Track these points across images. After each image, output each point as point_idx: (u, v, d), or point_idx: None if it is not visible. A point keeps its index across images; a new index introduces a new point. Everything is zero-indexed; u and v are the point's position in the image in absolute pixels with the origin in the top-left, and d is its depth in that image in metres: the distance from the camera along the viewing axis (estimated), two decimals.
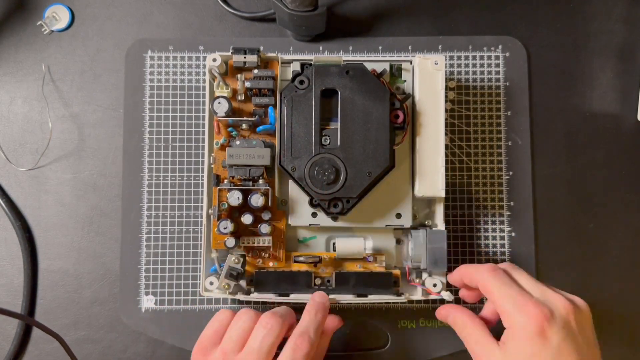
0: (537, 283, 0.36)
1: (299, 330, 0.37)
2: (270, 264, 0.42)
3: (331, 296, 0.41)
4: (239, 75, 0.42)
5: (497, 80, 0.47)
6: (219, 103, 0.41)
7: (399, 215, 0.42)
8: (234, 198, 0.40)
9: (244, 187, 0.40)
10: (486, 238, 0.46)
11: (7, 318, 0.45)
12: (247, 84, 0.41)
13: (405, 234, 0.43)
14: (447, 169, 0.45)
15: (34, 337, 0.46)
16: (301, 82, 0.40)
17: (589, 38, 0.48)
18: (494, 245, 0.46)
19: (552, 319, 0.33)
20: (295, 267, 0.42)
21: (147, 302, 0.46)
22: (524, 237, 0.46)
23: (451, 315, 0.39)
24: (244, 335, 0.37)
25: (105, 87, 0.48)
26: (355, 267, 0.42)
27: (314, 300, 0.40)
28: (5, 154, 0.47)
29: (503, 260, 0.46)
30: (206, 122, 0.43)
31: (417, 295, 0.42)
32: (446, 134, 0.46)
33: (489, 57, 0.48)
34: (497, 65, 0.48)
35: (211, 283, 0.42)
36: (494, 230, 0.46)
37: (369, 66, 0.41)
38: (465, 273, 0.39)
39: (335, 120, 0.40)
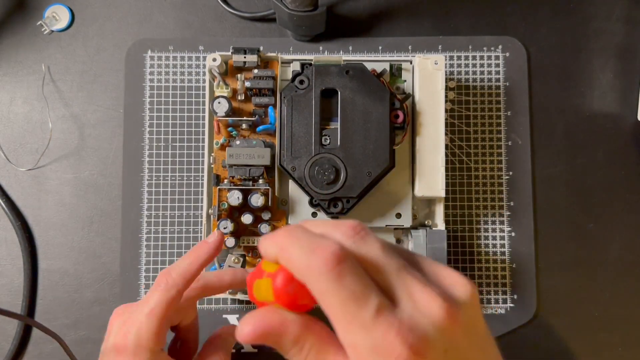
0: (403, 269, 0.22)
1: (166, 269, 0.35)
2: None
3: None
4: (239, 75, 0.42)
5: (497, 80, 0.47)
6: (219, 103, 0.41)
7: (399, 215, 0.42)
8: (234, 198, 0.40)
9: (244, 187, 0.40)
10: (486, 238, 0.46)
11: (7, 318, 0.45)
12: (247, 84, 0.41)
13: (405, 233, 0.43)
14: (447, 169, 0.45)
15: (34, 337, 0.46)
16: (301, 82, 0.40)
17: (589, 38, 0.48)
18: (494, 245, 0.46)
19: (456, 316, 0.21)
20: None
21: None
22: (524, 237, 0.46)
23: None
24: None
25: (105, 87, 0.48)
26: None
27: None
28: (5, 154, 0.47)
29: (503, 261, 0.46)
30: (206, 122, 0.43)
31: None
32: (446, 134, 0.46)
33: (489, 57, 0.48)
34: (497, 65, 0.48)
35: None
36: (494, 230, 0.46)
37: (369, 66, 0.41)
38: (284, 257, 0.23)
39: (335, 120, 0.40)
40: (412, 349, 0.20)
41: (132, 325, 0.33)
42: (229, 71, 0.43)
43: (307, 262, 0.21)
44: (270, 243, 0.23)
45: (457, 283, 0.23)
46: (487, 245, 0.46)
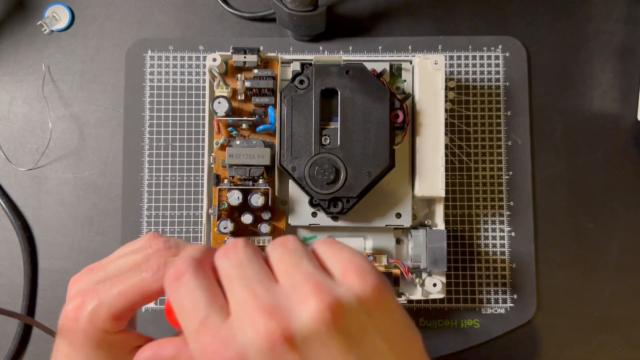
0: (296, 264, 0.23)
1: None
2: None
3: None
4: (239, 75, 0.42)
5: (497, 80, 0.47)
6: (219, 103, 0.41)
7: (399, 215, 0.42)
8: (234, 198, 0.40)
9: (244, 187, 0.40)
10: (486, 238, 0.46)
11: (7, 318, 0.45)
12: (247, 84, 0.41)
13: (405, 233, 0.43)
14: (447, 169, 0.45)
15: (34, 336, 0.46)
16: (301, 82, 0.40)
17: (589, 38, 0.48)
18: (494, 245, 0.46)
19: (287, 339, 0.21)
20: None
21: None
22: (524, 237, 0.46)
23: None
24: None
25: (105, 87, 0.48)
26: None
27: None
28: (5, 154, 0.47)
29: (503, 261, 0.46)
30: (206, 122, 0.43)
31: (417, 295, 0.42)
32: (446, 134, 0.46)
33: (489, 57, 0.48)
34: (497, 65, 0.48)
35: None
36: (493, 230, 0.46)
37: (369, 66, 0.41)
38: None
39: (335, 120, 0.40)
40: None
41: (91, 299, 0.26)
42: (229, 71, 0.43)
43: (165, 281, 0.24)
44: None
45: (305, 303, 0.21)
46: (487, 245, 0.46)
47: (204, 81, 0.47)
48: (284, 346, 0.20)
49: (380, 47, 0.48)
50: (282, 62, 0.43)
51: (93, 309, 0.26)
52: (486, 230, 0.46)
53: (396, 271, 0.42)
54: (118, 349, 0.27)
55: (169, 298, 0.23)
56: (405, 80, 0.44)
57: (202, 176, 0.45)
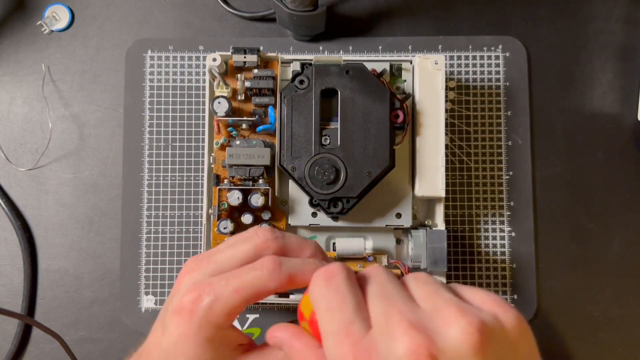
0: (436, 290, 0.24)
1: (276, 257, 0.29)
2: None
3: None
4: (239, 75, 0.42)
5: (497, 80, 0.47)
6: (219, 103, 0.41)
7: (399, 215, 0.42)
8: (234, 198, 0.40)
9: (244, 187, 0.40)
10: (486, 238, 0.46)
11: (7, 318, 0.45)
12: (247, 84, 0.41)
13: (405, 233, 0.43)
14: (447, 169, 0.44)
15: (34, 337, 0.46)
16: (301, 82, 0.40)
17: (589, 38, 0.48)
18: (494, 245, 0.46)
19: (432, 357, 0.21)
20: None
21: (147, 302, 0.46)
22: (524, 237, 0.46)
23: (285, 345, 0.26)
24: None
25: (105, 87, 0.48)
26: (356, 267, 0.42)
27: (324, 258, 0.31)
28: (5, 154, 0.47)
29: (503, 261, 0.46)
30: (206, 122, 0.43)
31: None
32: (446, 134, 0.46)
33: (489, 57, 0.48)
34: (497, 65, 0.48)
35: None
36: (494, 230, 0.46)
37: (369, 66, 0.41)
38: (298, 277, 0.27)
39: (335, 120, 0.40)
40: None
41: (208, 293, 0.26)
42: (229, 71, 0.43)
43: (315, 276, 0.25)
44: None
45: (451, 324, 0.21)
46: (487, 245, 0.46)
47: (204, 81, 0.47)
48: (477, 345, 0.20)
49: (380, 47, 0.48)
50: (282, 62, 0.43)
51: (210, 303, 0.26)
52: (486, 230, 0.46)
53: (396, 271, 0.42)
54: (225, 345, 0.28)
55: (317, 295, 0.24)
56: (405, 80, 0.44)
57: (202, 176, 0.45)
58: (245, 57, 0.41)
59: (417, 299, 0.23)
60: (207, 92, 0.43)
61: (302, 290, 0.28)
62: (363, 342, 0.22)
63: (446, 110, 0.46)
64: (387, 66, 0.42)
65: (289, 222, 0.42)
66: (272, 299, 0.42)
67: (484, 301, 0.23)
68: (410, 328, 0.21)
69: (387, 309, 0.22)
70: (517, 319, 0.22)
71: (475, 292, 0.24)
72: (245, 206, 0.41)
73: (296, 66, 0.42)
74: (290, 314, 0.45)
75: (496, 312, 0.22)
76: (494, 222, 0.46)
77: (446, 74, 0.46)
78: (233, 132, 0.42)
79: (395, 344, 0.21)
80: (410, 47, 0.48)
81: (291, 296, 0.41)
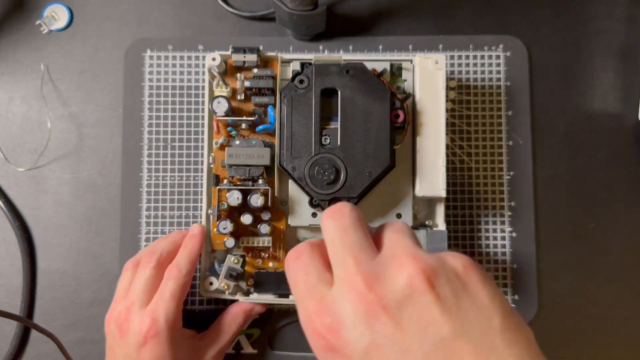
0: (400, 239, 0.26)
1: (171, 264, 0.39)
2: (270, 264, 0.42)
3: None
4: (238, 75, 0.41)
5: (498, 79, 0.47)
6: (219, 103, 0.41)
7: (399, 215, 0.42)
8: (234, 198, 0.40)
9: (243, 187, 0.40)
10: (487, 238, 0.46)
11: (6, 319, 0.44)
12: (247, 84, 0.41)
13: None
14: (447, 169, 0.44)
15: (32, 337, 0.46)
16: (301, 81, 0.40)
17: (590, 37, 0.48)
18: (495, 246, 0.46)
19: (382, 303, 0.22)
20: None
21: None
22: (525, 237, 0.46)
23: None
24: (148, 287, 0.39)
25: (104, 86, 0.48)
26: None
27: (188, 233, 0.41)
28: (4, 153, 0.47)
29: (504, 261, 0.46)
30: (206, 121, 0.43)
31: None
32: (447, 134, 0.46)
33: (490, 57, 0.47)
34: (498, 64, 0.47)
35: (211, 283, 0.42)
36: (494, 230, 0.46)
37: (369, 65, 0.41)
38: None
39: (336, 119, 0.40)
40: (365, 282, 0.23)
41: (158, 311, 0.36)
42: (228, 71, 0.43)
43: (286, 259, 0.27)
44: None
45: (401, 268, 0.23)
46: (487, 246, 0.46)
47: (204, 81, 0.47)
48: (378, 312, 0.22)
49: (380, 47, 0.48)
50: (282, 62, 0.43)
51: (164, 319, 0.37)
52: (487, 230, 0.46)
53: None
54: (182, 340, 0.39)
55: (287, 272, 0.27)
56: (405, 80, 0.43)
57: (202, 176, 0.45)
58: (244, 57, 0.41)
59: (383, 245, 0.25)
60: (206, 91, 0.43)
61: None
62: (325, 299, 0.24)
63: (447, 110, 0.46)
64: (387, 66, 0.42)
65: (289, 223, 0.42)
66: (270, 299, 0.42)
67: (442, 254, 0.25)
68: (362, 279, 0.23)
69: (344, 259, 0.24)
70: (465, 260, 0.24)
71: (440, 252, 0.26)
72: (244, 206, 0.40)
73: (296, 66, 0.42)
74: (290, 314, 0.45)
75: (447, 258, 0.24)
76: (494, 223, 0.46)
77: (447, 74, 0.46)
78: (233, 132, 0.42)
79: (348, 296, 0.23)
80: (410, 47, 0.47)
81: (291, 297, 0.41)
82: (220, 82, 0.42)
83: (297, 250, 0.27)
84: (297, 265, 0.26)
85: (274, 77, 0.41)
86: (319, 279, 0.25)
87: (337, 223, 0.26)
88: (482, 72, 0.47)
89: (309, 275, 0.25)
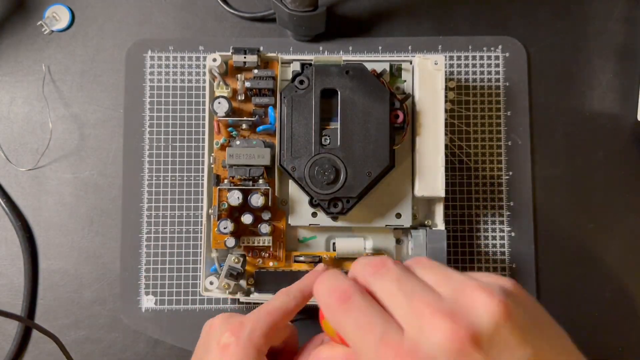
0: (446, 272, 0.24)
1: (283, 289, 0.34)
2: (270, 263, 0.42)
3: None
4: (239, 75, 0.42)
5: (497, 80, 0.47)
6: (219, 103, 0.41)
7: (399, 215, 0.42)
8: (234, 198, 0.40)
9: (244, 187, 0.40)
10: (486, 238, 0.46)
11: (7, 318, 0.45)
12: (247, 84, 0.41)
13: (405, 233, 0.43)
14: (447, 169, 0.44)
15: (34, 337, 0.46)
16: (301, 82, 0.40)
17: (588, 38, 0.48)
18: (494, 246, 0.46)
19: (473, 339, 0.21)
20: (296, 267, 0.42)
21: (147, 302, 0.46)
22: (524, 237, 0.46)
23: None
24: None
25: (105, 87, 0.48)
26: None
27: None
28: (5, 154, 0.47)
29: (503, 261, 0.46)
30: (206, 122, 0.43)
31: None
32: (446, 134, 0.46)
33: (489, 57, 0.48)
34: (497, 65, 0.48)
35: (211, 283, 0.42)
36: (493, 230, 0.46)
37: (369, 66, 0.41)
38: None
39: (335, 120, 0.40)
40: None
41: (247, 322, 0.31)
42: (229, 71, 0.43)
43: (326, 301, 0.25)
44: (314, 287, 0.27)
45: (477, 303, 0.22)
46: (487, 246, 0.46)
47: (204, 81, 0.47)
48: (472, 346, 0.21)
49: (380, 47, 0.48)
50: (282, 62, 0.43)
51: (251, 328, 0.30)
52: (486, 230, 0.46)
53: None
54: None
55: (339, 321, 0.24)
56: (405, 81, 0.44)
57: (202, 176, 0.45)
58: (245, 58, 0.41)
59: (432, 286, 0.24)
60: (207, 92, 0.43)
61: None
62: (404, 347, 0.22)
63: (446, 111, 0.46)
64: (387, 66, 0.42)
65: (289, 222, 0.42)
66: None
67: (484, 276, 0.24)
68: (443, 317, 0.21)
69: (413, 305, 0.22)
70: (514, 283, 0.23)
71: (476, 274, 0.24)
72: (245, 206, 0.41)
73: (296, 66, 0.42)
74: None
75: (499, 282, 0.23)
76: (493, 222, 0.46)
77: (446, 74, 0.46)
78: (233, 132, 0.42)
79: (435, 337, 0.21)
80: (410, 48, 0.48)
81: None
82: (221, 83, 0.42)
83: (342, 292, 0.24)
84: (350, 309, 0.24)
85: (274, 78, 0.41)
86: (387, 323, 0.23)
87: (387, 277, 0.24)
88: (481, 73, 0.48)
89: (373, 318, 0.23)
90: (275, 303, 0.32)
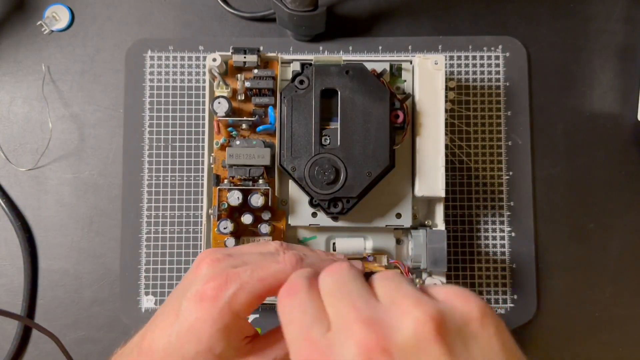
0: (396, 286, 0.24)
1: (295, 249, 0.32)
2: None
3: None
4: (239, 75, 0.42)
5: (497, 80, 0.47)
6: (219, 103, 0.41)
7: (399, 215, 0.42)
8: (234, 198, 0.40)
9: (244, 187, 0.40)
10: (486, 238, 0.46)
11: (6, 318, 0.45)
12: (247, 84, 0.41)
13: (405, 234, 0.43)
14: (447, 169, 0.44)
15: (33, 337, 0.46)
16: (301, 82, 0.40)
17: (589, 38, 0.48)
18: (494, 246, 0.46)
19: (384, 350, 0.21)
20: None
21: (147, 302, 0.46)
22: (524, 237, 0.46)
23: None
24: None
25: (105, 87, 0.48)
26: None
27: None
28: (5, 154, 0.47)
29: (503, 261, 0.46)
30: (206, 122, 0.43)
31: None
32: (446, 134, 0.46)
33: (489, 57, 0.48)
34: (497, 65, 0.48)
35: None
36: (494, 230, 0.46)
37: (369, 66, 0.41)
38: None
39: (335, 120, 0.40)
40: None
41: (234, 281, 0.28)
42: (229, 71, 0.43)
43: (282, 289, 0.26)
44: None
45: (405, 315, 0.22)
46: (487, 246, 0.46)
47: (204, 81, 0.47)
48: (381, 356, 0.20)
49: (380, 47, 0.48)
50: (282, 62, 0.43)
51: (235, 291, 0.27)
52: (486, 230, 0.46)
53: (396, 271, 0.42)
54: (236, 335, 0.28)
55: (280, 309, 0.25)
56: (405, 81, 0.44)
57: (202, 176, 0.45)
58: (245, 57, 0.41)
59: (379, 296, 0.24)
60: (207, 92, 0.43)
61: None
62: (321, 343, 0.22)
63: (446, 110, 0.46)
64: (387, 66, 0.42)
65: (289, 222, 0.42)
66: (272, 299, 0.42)
67: (447, 294, 0.23)
68: (362, 324, 0.21)
69: (343, 307, 0.23)
70: (478, 307, 0.22)
71: (441, 288, 0.24)
72: (245, 206, 0.41)
73: (296, 66, 0.42)
74: None
75: (455, 303, 0.22)
76: (494, 222, 0.46)
77: (446, 74, 0.46)
78: (233, 132, 0.42)
79: (348, 342, 0.21)
80: (410, 47, 0.48)
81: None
82: (221, 83, 0.42)
83: (292, 286, 0.25)
84: (292, 303, 0.25)
85: (274, 78, 0.41)
86: (315, 320, 0.23)
87: (335, 277, 0.25)
88: (482, 73, 0.47)
89: (305, 314, 0.24)
90: (271, 270, 0.29)
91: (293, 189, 0.42)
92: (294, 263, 0.29)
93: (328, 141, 0.40)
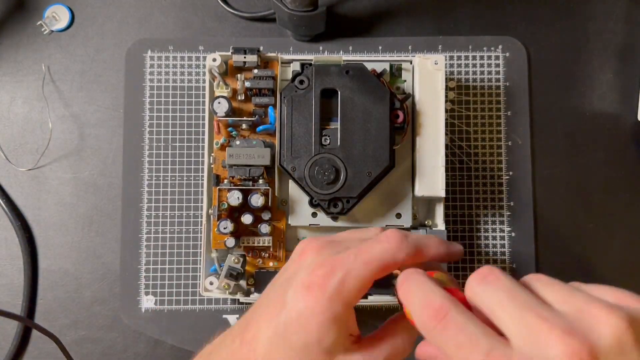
0: (570, 291, 0.24)
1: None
2: (271, 263, 0.42)
3: None
4: (239, 75, 0.42)
5: (497, 80, 0.47)
6: (219, 103, 0.41)
7: (399, 215, 0.42)
8: (234, 198, 0.40)
9: (244, 187, 0.40)
10: (486, 238, 0.46)
11: (6, 318, 0.45)
12: (247, 84, 0.41)
13: None
14: (447, 169, 0.44)
15: (33, 337, 0.46)
16: (301, 82, 0.40)
17: (589, 38, 0.48)
18: (494, 246, 0.46)
19: (591, 355, 0.20)
20: None
21: (147, 302, 0.46)
22: (524, 237, 0.46)
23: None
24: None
25: (105, 87, 0.48)
26: None
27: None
28: (5, 154, 0.47)
29: (503, 261, 0.46)
30: (206, 122, 0.43)
31: None
32: (446, 134, 0.46)
33: (489, 57, 0.48)
34: (497, 65, 0.48)
35: (211, 283, 0.42)
36: (494, 230, 0.46)
37: (369, 66, 0.41)
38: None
39: (335, 120, 0.40)
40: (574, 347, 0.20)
41: (340, 267, 0.26)
42: (229, 71, 0.43)
43: (419, 319, 0.24)
44: (399, 291, 0.26)
45: (600, 320, 0.21)
46: (487, 246, 0.46)
47: (204, 81, 0.47)
48: (626, 333, 0.20)
49: (380, 47, 0.48)
50: (282, 62, 0.43)
51: (342, 277, 0.26)
52: (486, 230, 0.46)
53: (397, 271, 0.42)
54: (344, 330, 0.27)
55: (438, 341, 0.23)
56: (405, 80, 0.44)
57: (202, 176, 0.45)
58: (245, 57, 0.41)
59: (551, 303, 0.23)
60: (207, 92, 0.43)
61: (384, 291, 0.29)
62: (499, 355, 0.21)
63: (446, 110, 0.46)
64: (387, 66, 0.42)
65: (289, 222, 0.42)
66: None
67: (619, 297, 0.23)
68: (562, 333, 0.20)
69: (527, 318, 0.21)
70: None
71: (602, 289, 0.24)
72: (245, 206, 0.41)
73: (296, 66, 0.42)
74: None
75: (629, 304, 0.23)
76: (494, 222, 0.46)
77: (446, 74, 0.46)
78: (233, 132, 0.42)
79: (551, 352, 0.20)
80: (410, 47, 0.48)
81: (370, 297, 0.41)
82: (221, 83, 0.42)
83: (437, 309, 0.23)
84: (448, 328, 0.23)
85: (274, 78, 0.41)
86: (489, 338, 0.22)
87: (496, 286, 0.23)
88: (482, 73, 0.48)
89: (475, 335, 0.22)
90: (375, 251, 0.27)
91: (293, 189, 0.42)
92: (398, 240, 0.27)
93: (328, 141, 0.40)
